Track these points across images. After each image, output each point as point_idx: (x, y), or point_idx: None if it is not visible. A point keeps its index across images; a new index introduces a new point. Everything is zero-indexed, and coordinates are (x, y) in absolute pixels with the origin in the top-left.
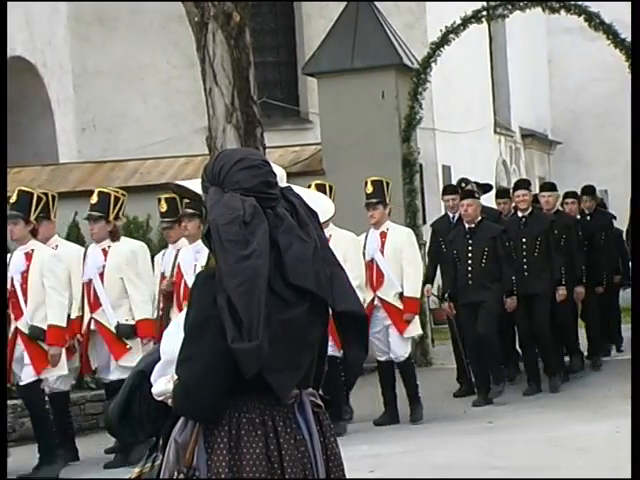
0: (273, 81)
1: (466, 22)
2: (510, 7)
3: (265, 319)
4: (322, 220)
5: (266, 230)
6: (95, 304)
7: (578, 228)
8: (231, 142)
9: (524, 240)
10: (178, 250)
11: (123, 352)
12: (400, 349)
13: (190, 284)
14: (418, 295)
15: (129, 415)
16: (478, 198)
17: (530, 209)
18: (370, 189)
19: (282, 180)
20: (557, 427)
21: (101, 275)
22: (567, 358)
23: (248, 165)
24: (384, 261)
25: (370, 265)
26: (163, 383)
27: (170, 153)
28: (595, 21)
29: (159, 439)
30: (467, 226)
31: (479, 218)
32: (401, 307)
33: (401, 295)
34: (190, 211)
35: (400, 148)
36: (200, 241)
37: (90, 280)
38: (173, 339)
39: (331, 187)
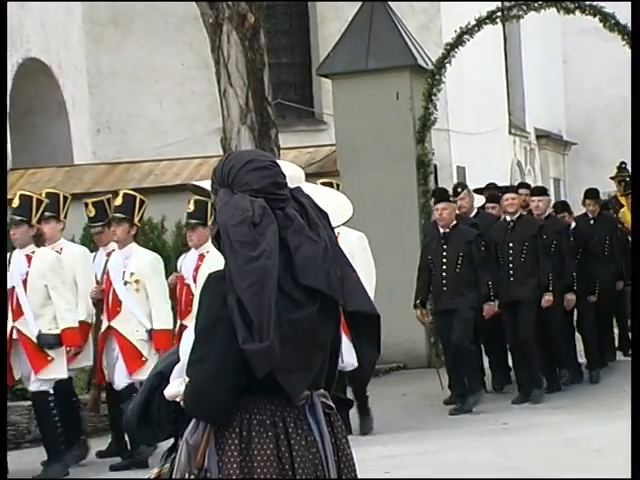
0: (287, 82)
1: (481, 23)
2: (525, 8)
3: (275, 319)
4: (342, 221)
5: (275, 231)
6: (17, 312)
7: (569, 234)
8: (246, 143)
9: (511, 245)
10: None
11: (43, 364)
12: (350, 356)
13: (119, 291)
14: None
15: (148, 416)
16: (454, 202)
17: (519, 213)
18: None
19: (300, 180)
20: (573, 428)
21: (24, 282)
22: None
23: (257, 166)
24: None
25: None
26: (176, 385)
27: (185, 154)
28: (610, 22)
29: (178, 440)
30: (442, 231)
31: (454, 222)
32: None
33: None
34: (119, 215)
35: (414, 149)
36: (129, 246)
37: (13, 287)
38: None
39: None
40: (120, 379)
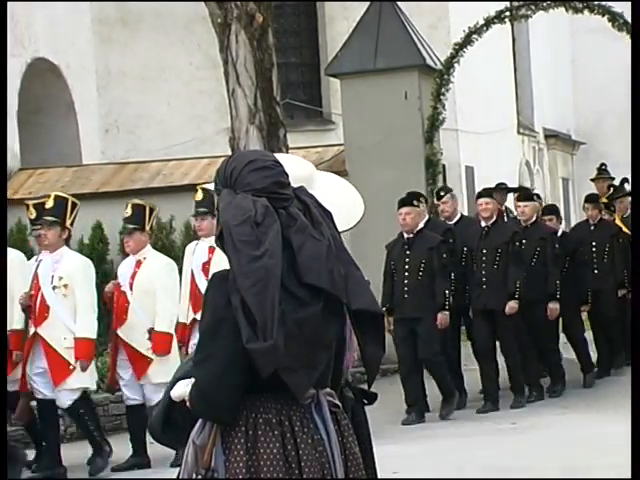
0: (296, 82)
1: (489, 22)
2: (533, 7)
3: (279, 318)
4: (355, 221)
5: (278, 230)
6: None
7: (555, 240)
8: (254, 143)
9: (484, 251)
10: (40, 260)
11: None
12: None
13: (47, 296)
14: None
15: (172, 422)
16: (417, 206)
17: (494, 219)
18: (200, 197)
19: (312, 176)
20: (581, 427)
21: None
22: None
23: (259, 166)
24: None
25: (192, 280)
26: (182, 386)
27: (193, 154)
28: (619, 21)
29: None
30: (405, 236)
31: (419, 227)
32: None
33: None
34: (50, 219)
35: (423, 149)
36: (60, 250)
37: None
38: None
39: None
40: (46, 390)
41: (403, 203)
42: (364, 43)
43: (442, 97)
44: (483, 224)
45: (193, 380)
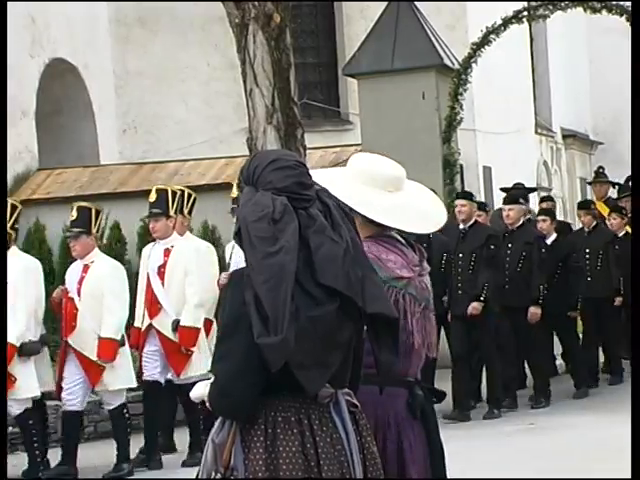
0: (314, 82)
1: (507, 22)
2: (551, 7)
3: (292, 314)
4: (439, 225)
5: (296, 228)
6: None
7: (541, 245)
8: (272, 143)
9: (460, 255)
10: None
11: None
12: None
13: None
14: (198, 324)
15: None
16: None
17: (472, 221)
18: (154, 197)
19: (403, 177)
20: (599, 429)
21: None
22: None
23: (282, 165)
24: (160, 285)
25: (148, 284)
26: (202, 386)
27: (210, 154)
28: None
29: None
30: None
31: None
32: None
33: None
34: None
35: (440, 149)
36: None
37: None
38: None
39: None
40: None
41: None
42: (382, 43)
43: (460, 97)
44: (461, 227)
45: (212, 380)
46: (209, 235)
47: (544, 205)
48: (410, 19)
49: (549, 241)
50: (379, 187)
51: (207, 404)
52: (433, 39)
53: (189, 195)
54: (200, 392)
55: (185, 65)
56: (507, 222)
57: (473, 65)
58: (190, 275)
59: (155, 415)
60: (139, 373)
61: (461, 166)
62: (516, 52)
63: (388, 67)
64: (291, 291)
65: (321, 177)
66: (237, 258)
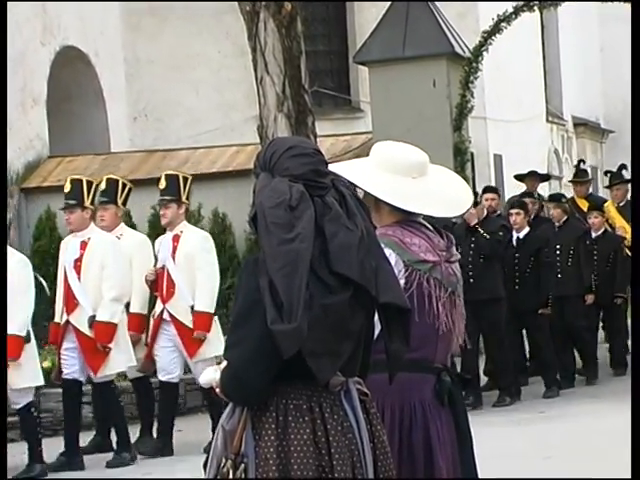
0: (324, 70)
1: (518, 10)
2: None
3: (306, 302)
4: (464, 209)
5: (312, 216)
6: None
7: (511, 244)
8: (282, 131)
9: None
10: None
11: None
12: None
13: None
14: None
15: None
16: None
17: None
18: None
19: (427, 163)
20: (609, 417)
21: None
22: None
23: (299, 153)
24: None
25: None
26: (211, 372)
27: (221, 142)
28: None
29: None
30: None
31: None
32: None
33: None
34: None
35: (451, 137)
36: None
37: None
38: None
39: None
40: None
41: None
42: (393, 31)
43: (471, 85)
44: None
45: (222, 365)
46: (219, 223)
47: (526, 199)
48: (421, 7)
49: (521, 235)
50: (403, 174)
51: (217, 390)
52: (444, 27)
53: (123, 185)
54: (209, 377)
55: (196, 53)
56: (469, 220)
57: (484, 53)
58: (107, 269)
59: (76, 415)
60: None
61: (472, 154)
62: (527, 40)
63: (399, 55)
64: (306, 279)
65: (344, 169)
66: (164, 253)
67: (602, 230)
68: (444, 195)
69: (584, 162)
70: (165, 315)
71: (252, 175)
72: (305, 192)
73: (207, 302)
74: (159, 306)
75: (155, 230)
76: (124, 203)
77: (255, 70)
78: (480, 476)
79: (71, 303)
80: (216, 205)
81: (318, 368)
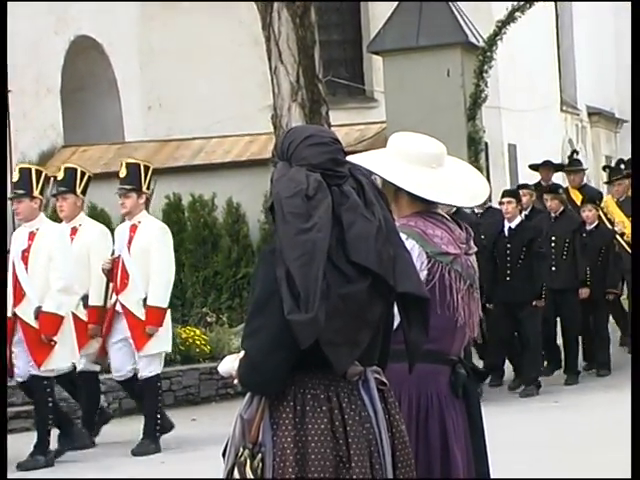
0: (338, 59)
1: None
2: None
3: (323, 292)
4: (482, 199)
5: (329, 205)
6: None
7: (503, 234)
8: (296, 120)
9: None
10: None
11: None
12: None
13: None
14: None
15: None
16: None
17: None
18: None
19: (444, 154)
20: (623, 407)
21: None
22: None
23: (317, 142)
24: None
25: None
26: (229, 361)
27: (235, 131)
28: None
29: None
30: None
31: None
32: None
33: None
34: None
35: (465, 126)
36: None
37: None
38: None
39: None
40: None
41: None
42: (407, 20)
43: (485, 74)
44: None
45: (240, 354)
46: (233, 212)
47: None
48: None
49: (513, 225)
50: (423, 164)
51: (235, 379)
52: (458, 16)
53: (82, 174)
54: (228, 367)
55: (210, 42)
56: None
57: (498, 42)
58: (54, 260)
59: (47, 410)
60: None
61: (486, 144)
62: (541, 29)
63: (413, 44)
64: (323, 268)
65: (363, 160)
66: (120, 242)
67: (595, 224)
68: (463, 185)
69: (577, 153)
70: (118, 307)
71: (266, 164)
72: (322, 181)
73: (160, 296)
74: (114, 297)
75: (169, 220)
76: (83, 192)
77: (269, 59)
78: (492, 467)
79: (19, 295)
80: (230, 194)
81: (336, 358)
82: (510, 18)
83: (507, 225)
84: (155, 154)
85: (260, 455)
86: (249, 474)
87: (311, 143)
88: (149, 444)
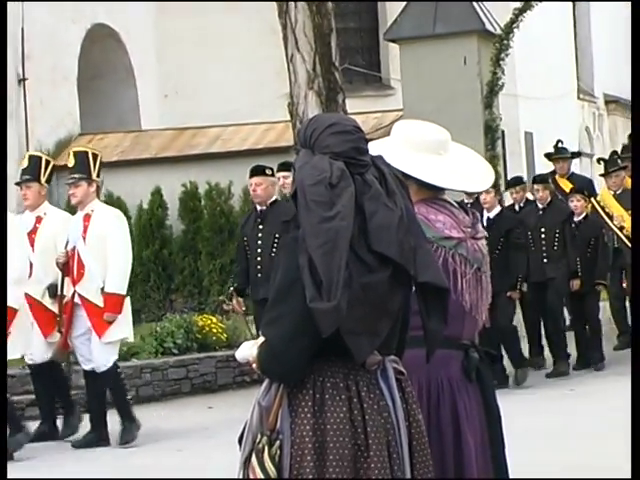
0: (355, 47)
1: None
2: None
3: (345, 280)
4: (487, 185)
5: (352, 194)
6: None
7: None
8: (313, 108)
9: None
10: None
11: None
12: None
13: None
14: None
15: None
16: (271, 175)
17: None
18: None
19: (448, 141)
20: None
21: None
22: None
23: (340, 130)
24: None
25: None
26: (247, 347)
27: (252, 119)
28: None
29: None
30: (258, 208)
31: (273, 199)
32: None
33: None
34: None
35: (482, 114)
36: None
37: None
38: None
39: None
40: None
41: (254, 173)
42: (423, 8)
43: (501, 62)
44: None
45: (258, 341)
46: (250, 200)
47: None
48: None
49: (492, 215)
50: (430, 151)
51: (254, 365)
52: (475, 4)
53: (47, 162)
54: (246, 353)
55: (226, 30)
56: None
57: (515, 30)
58: (8, 250)
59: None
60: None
61: (503, 132)
62: (558, 17)
63: (430, 32)
64: (346, 257)
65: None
66: (75, 233)
67: (584, 215)
68: (470, 171)
69: (562, 142)
70: (76, 298)
71: (283, 152)
72: (346, 170)
73: (118, 283)
74: (70, 289)
75: (186, 208)
76: (48, 181)
77: (285, 48)
78: (509, 453)
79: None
80: (246, 183)
81: (356, 347)
82: (527, 5)
83: (485, 215)
84: (172, 142)
85: (278, 442)
86: (267, 461)
87: (334, 131)
88: (129, 432)
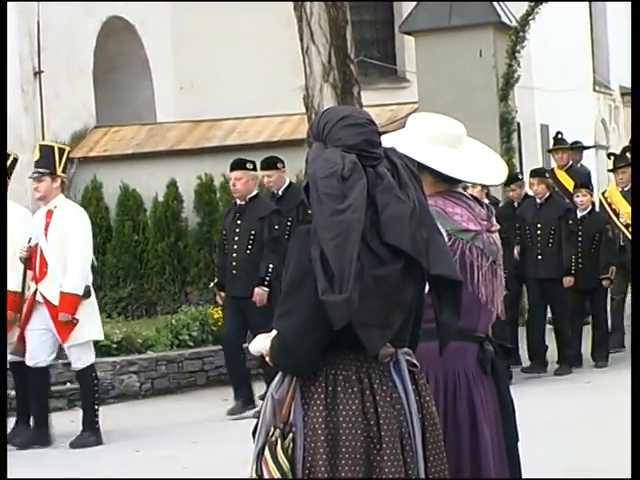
0: (370, 40)
1: None
2: None
3: (357, 273)
4: (502, 179)
5: (364, 186)
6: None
7: None
8: (328, 101)
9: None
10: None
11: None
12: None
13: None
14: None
15: None
16: (252, 169)
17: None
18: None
19: (463, 134)
20: None
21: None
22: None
23: (352, 123)
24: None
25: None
26: (261, 340)
27: (267, 112)
28: None
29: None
30: (238, 203)
31: (253, 193)
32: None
33: None
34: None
35: (498, 107)
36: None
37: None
38: None
39: None
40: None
41: (234, 167)
42: (439, 0)
43: (517, 54)
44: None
45: (271, 334)
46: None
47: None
48: None
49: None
50: (446, 144)
51: (267, 358)
52: None
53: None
54: (259, 346)
55: (242, 22)
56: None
57: (531, 22)
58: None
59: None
60: None
61: (518, 124)
62: (574, 9)
63: (445, 24)
64: (357, 249)
65: (386, 141)
66: (37, 229)
67: (589, 209)
68: (485, 164)
69: (562, 134)
70: (38, 296)
71: (298, 145)
72: (358, 162)
73: (74, 283)
74: (32, 286)
75: (201, 200)
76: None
77: (301, 40)
78: (521, 445)
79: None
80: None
81: (368, 339)
82: None
83: None
84: (187, 134)
85: (291, 435)
86: (280, 454)
87: (347, 124)
88: (89, 436)
